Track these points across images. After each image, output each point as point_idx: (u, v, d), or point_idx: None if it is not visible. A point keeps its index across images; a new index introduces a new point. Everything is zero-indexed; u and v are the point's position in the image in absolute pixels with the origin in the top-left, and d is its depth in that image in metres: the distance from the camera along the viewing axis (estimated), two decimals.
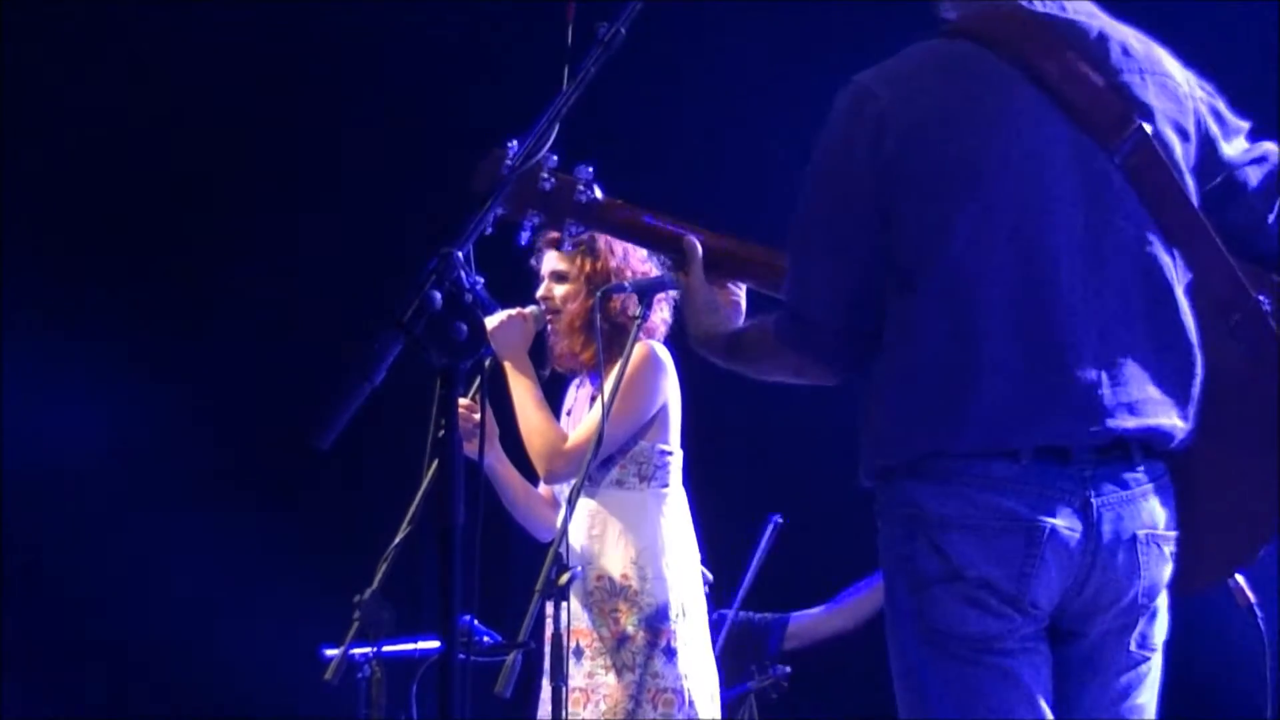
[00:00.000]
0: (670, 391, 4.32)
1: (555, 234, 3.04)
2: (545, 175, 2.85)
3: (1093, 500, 2.60)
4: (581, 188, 2.91)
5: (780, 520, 5.81)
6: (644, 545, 4.23)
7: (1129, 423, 2.60)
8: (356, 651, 4.04)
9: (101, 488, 6.62)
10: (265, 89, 6.68)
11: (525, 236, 2.91)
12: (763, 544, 5.74)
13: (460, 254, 2.44)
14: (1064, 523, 2.58)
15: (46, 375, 6.54)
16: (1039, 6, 2.69)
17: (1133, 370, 2.60)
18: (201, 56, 6.61)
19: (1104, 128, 2.62)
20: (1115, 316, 2.60)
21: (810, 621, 6.09)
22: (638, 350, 4.18)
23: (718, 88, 6.61)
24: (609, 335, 4.24)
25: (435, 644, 2.34)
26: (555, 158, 2.83)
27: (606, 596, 4.22)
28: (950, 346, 2.57)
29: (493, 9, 6.45)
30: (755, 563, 5.74)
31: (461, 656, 2.32)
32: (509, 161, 2.74)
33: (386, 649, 4.09)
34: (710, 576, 5.58)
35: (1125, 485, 2.62)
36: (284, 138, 6.72)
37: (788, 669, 5.79)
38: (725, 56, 6.58)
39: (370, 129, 6.74)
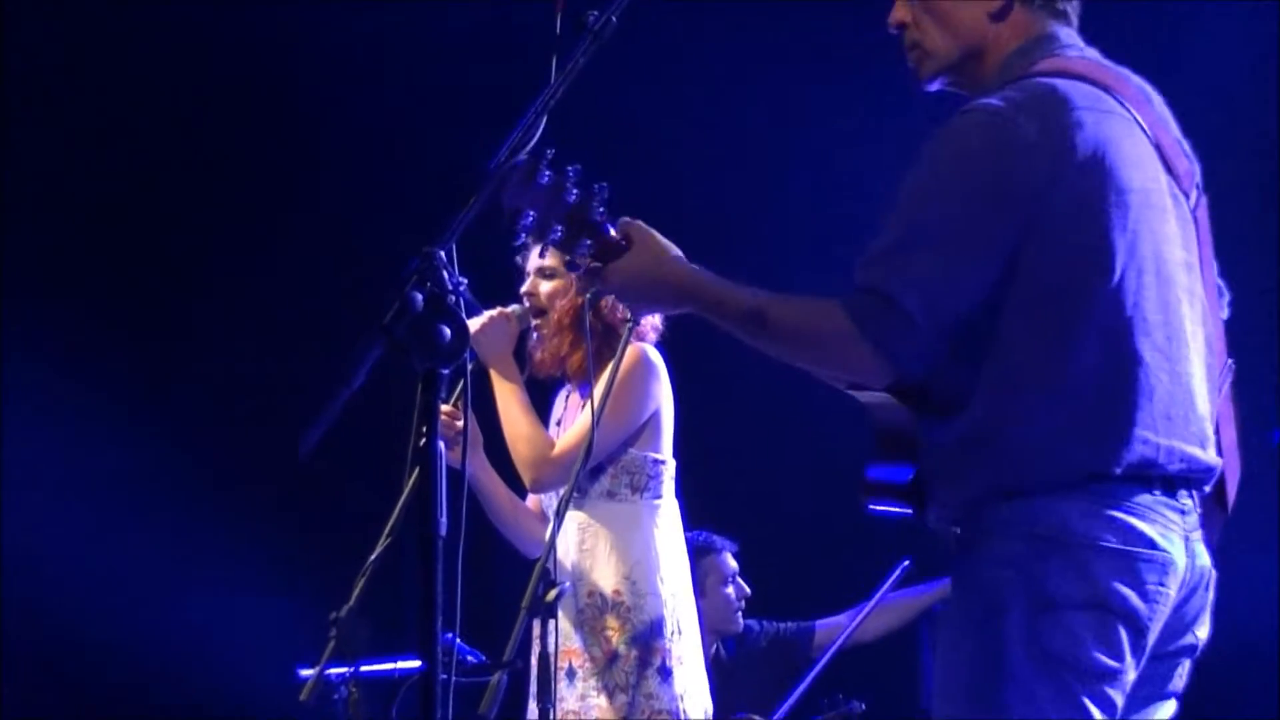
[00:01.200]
0: (663, 397, 4.21)
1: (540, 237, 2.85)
2: (546, 171, 2.67)
3: (1189, 534, 2.65)
4: (569, 189, 2.71)
5: (909, 564, 5.85)
6: (637, 559, 4.12)
7: (1216, 459, 2.70)
8: (333, 671, 3.99)
9: (87, 504, 6.61)
10: (259, 92, 6.76)
11: (522, 235, 2.75)
12: (887, 584, 5.80)
13: (443, 253, 2.37)
14: (1179, 554, 2.62)
15: (42, 384, 6.55)
16: (1110, 64, 2.79)
17: (1211, 407, 2.72)
18: (196, 57, 6.70)
19: (1181, 176, 2.76)
20: (1201, 354, 2.72)
21: (835, 629, 6.17)
22: (629, 353, 4.06)
23: (708, 79, 6.65)
24: (599, 336, 4.12)
25: (416, 663, 2.29)
26: (552, 151, 2.67)
27: (597, 614, 4.11)
28: (1111, 369, 2.61)
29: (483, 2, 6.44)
30: (876, 597, 5.82)
31: (444, 677, 2.29)
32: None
33: (364, 669, 4.08)
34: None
35: (1200, 523, 2.68)
36: (274, 145, 6.80)
37: (862, 705, 5.86)
38: (717, 47, 6.63)
39: (367, 130, 6.79)
